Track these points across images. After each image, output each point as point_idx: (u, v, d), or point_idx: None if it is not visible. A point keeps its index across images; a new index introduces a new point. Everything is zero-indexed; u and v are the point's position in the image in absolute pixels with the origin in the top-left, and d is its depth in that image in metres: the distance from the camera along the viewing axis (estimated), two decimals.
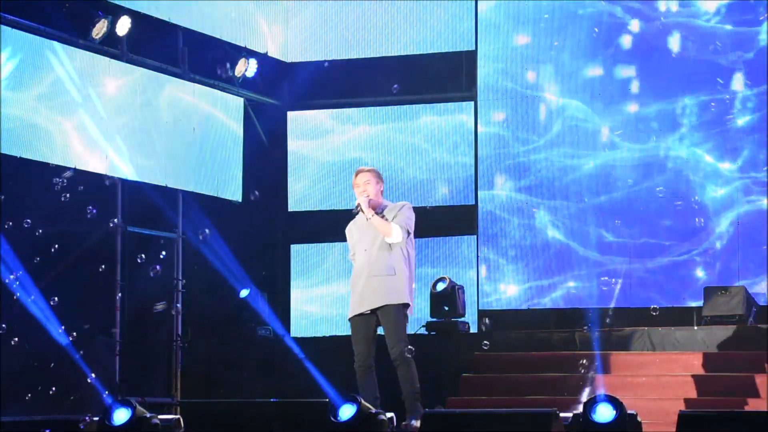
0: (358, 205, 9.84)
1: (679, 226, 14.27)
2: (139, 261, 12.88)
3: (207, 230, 13.79)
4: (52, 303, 11.76)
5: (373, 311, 9.71)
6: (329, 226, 16.06)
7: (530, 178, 14.81)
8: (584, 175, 14.62)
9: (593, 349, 12.90)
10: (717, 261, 14.11)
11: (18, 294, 11.82)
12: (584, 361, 12.35)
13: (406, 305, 9.71)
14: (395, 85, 14.53)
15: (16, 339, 11.93)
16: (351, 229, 10.02)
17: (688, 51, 14.38)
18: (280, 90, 15.84)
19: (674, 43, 14.45)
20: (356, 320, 9.79)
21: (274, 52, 15.39)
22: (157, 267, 12.88)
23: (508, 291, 14.73)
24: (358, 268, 9.82)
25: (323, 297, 15.41)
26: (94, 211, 12.54)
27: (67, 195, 12.76)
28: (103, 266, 13.46)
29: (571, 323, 14.50)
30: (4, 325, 11.31)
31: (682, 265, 14.20)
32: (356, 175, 9.98)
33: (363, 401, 8.85)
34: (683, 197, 14.26)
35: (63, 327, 12.08)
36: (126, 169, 13.37)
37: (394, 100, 15.33)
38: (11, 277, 11.84)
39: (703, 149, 14.31)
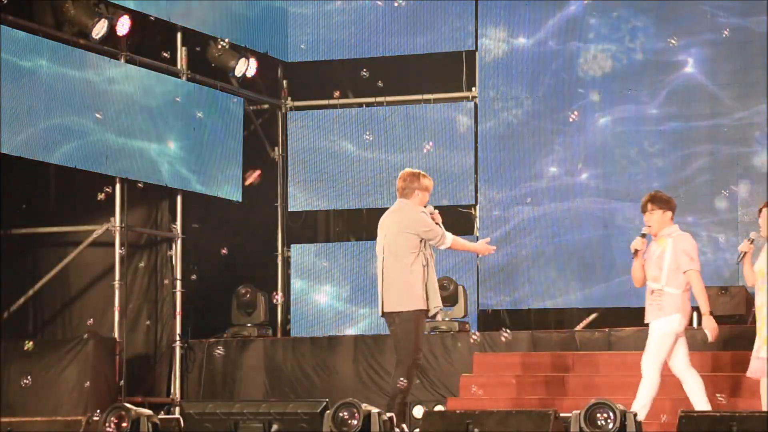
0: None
1: None
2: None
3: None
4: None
5: None
6: (329, 226, 16.06)
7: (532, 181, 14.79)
8: None
9: (593, 349, 12.93)
10: None
11: None
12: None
13: None
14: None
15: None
16: None
17: None
18: (280, 90, 15.83)
19: None
20: (423, 316, 10.09)
21: (274, 52, 15.38)
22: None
23: (508, 290, 14.74)
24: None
25: (323, 297, 15.39)
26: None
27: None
28: (103, 267, 13.48)
29: (570, 323, 14.54)
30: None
31: None
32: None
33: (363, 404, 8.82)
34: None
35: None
36: (126, 169, 13.38)
37: (394, 101, 15.33)
38: None
39: None
